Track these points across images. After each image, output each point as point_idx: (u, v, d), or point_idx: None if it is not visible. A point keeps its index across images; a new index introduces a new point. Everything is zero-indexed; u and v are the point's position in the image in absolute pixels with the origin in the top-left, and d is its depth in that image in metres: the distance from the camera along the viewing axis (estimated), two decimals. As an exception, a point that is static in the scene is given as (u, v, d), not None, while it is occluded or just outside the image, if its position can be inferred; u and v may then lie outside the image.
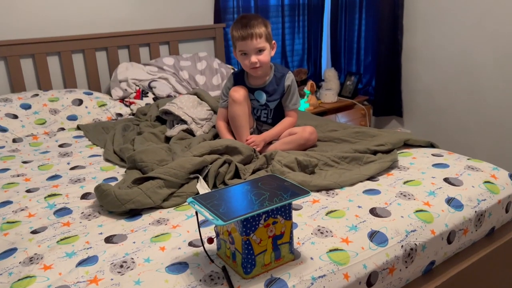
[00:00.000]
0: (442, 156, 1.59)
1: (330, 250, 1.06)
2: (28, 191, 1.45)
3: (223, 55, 3.05)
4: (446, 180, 1.40)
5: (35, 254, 1.08)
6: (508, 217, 1.45)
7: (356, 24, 3.39)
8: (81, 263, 1.03)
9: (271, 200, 0.97)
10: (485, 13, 2.57)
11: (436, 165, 1.51)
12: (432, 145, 1.72)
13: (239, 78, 1.86)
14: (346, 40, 3.51)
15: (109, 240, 1.13)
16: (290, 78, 1.82)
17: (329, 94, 3.28)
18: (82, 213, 1.29)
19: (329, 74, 3.39)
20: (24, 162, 1.72)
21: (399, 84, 3.19)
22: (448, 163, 1.52)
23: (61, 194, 1.42)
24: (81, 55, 2.57)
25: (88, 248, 1.09)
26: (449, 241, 1.24)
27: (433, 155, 1.61)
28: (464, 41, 2.72)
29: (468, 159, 1.56)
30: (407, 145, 1.73)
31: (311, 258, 1.03)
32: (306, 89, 3.18)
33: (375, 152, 1.62)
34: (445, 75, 2.89)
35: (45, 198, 1.39)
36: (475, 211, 1.30)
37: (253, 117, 1.87)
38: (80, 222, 1.24)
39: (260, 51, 1.71)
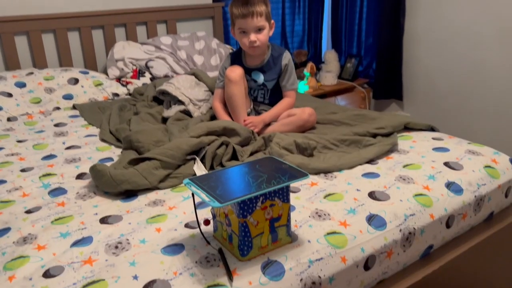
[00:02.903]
0: (443, 140, 1.58)
1: (328, 233, 1.04)
2: (22, 170, 1.43)
3: (222, 35, 3.00)
4: (446, 164, 1.38)
5: (29, 234, 1.06)
6: (508, 202, 1.44)
7: (358, 5, 3.33)
8: (75, 244, 1.02)
9: (268, 182, 0.95)
10: (490, -5, 2.52)
11: (436, 149, 1.49)
12: (432, 129, 1.70)
13: (236, 58, 1.83)
14: (347, 21, 3.45)
15: (104, 220, 1.12)
16: (287, 58, 1.79)
17: (329, 77, 3.24)
18: (77, 193, 1.27)
19: (329, 56, 3.34)
20: (19, 141, 1.69)
21: (400, 66, 3.15)
22: (449, 147, 1.50)
23: (56, 174, 1.40)
24: (77, 33, 2.52)
25: (83, 229, 1.08)
26: (448, 226, 1.23)
27: (433, 138, 1.59)
28: (467, 23, 2.67)
29: (469, 143, 1.54)
30: (407, 128, 1.70)
31: (309, 241, 1.01)
32: (306, 71, 3.14)
33: (374, 135, 1.60)
34: (446, 57, 2.85)
35: (39, 177, 1.37)
36: (475, 196, 1.29)
37: (250, 97, 1.84)
38: (75, 202, 1.22)
39: (259, 29, 1.68)
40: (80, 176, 1.39)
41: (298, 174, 0.98)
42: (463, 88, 2.79)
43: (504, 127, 2.62)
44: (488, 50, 2.61)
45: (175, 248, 0.99)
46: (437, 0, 2.82)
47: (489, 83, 2.64)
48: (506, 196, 1.42)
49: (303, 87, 3.07)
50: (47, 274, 0.91)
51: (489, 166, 1.39)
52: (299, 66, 3.30)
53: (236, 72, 1.72)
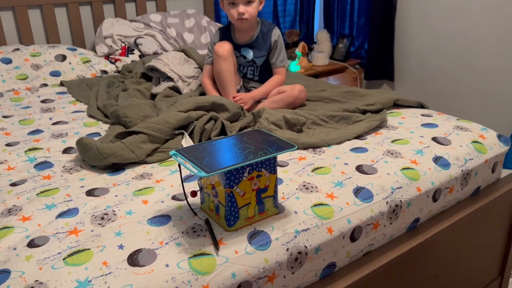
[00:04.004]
0: (432, 116, 1.58)
1: (315, 205, 1.05)
2: (8, 144, 1.42)
3: (212, 13, 2.95)
4: (434, 139, 1.38)
5: (14, 205, 1.05)
6: (494, 177, 1.46)
7: (351, -16, 3.29)
8: (61, 215, 1.01)
9: (256, 153, 0.94)
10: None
11: (425, 125, 1.49)
12: (421, 106, 1.70)
13: (225, 33, 1.80)
14: (339, 1, 3.41)
15: (90, 193, 1.11)
16: (276, 34, 1.77)
17: (321, 57, 3.22)
18: (64, 166, 1.26)
19: (321, 36, 3.32)
20: (4, 117, 1.67)
21: (392, 47, 3.14)
22: (437, 123, 1.50)
23: (42, 148, 1.38)
24: (64, 9, 2.47)
25: (68, 201, 1.07)
26: (435, 199, 1.24)
27: (422, 115, 1.59)
28: (458, 4, 2.65)
29: (458, 119, 1.54)
30: (397, 105, 1.70)
31: (295, 212, 1.02)
32: (298, 51, 3.11)
33: (364, 112, 1.60)
34: (437, 37, 2.84)
35: (25, 152, 1.36)
36: (462, 170, 1.30)
37: (239, 74, 1.82)
38: (61, 176, 1.21)
39: (248, 2, 1.65)
40: (66, 151, 1.37)
41: (285, 145, 0.98)
42: (454, 68, 2.79)
43: (494, 106, 2.63)
44: (479, 30, 2.60)
45: (161, 219, 0.99)
46: (430, -21, 2.79)
47: (479, 62, 2.64)
48: (493, 171, 1.43)
49: (294, 67, 3.05)
50: (31, 244, 0.91)
51: (476, 142, 1.39)
52: (291, 46, 3.28)
53: (224, 47, 1.70)
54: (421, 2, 2.88)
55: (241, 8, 1.64)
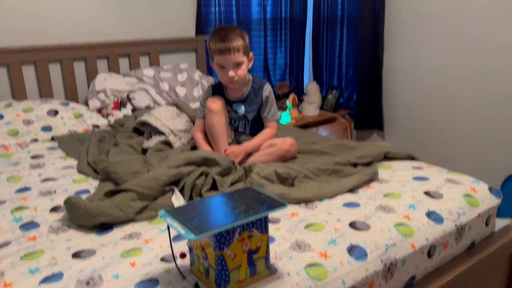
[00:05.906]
0: (422, 169, 1.58)
1: (308, 265, 1.02)
2: (-7, 204, 1.38)
3: (205, 67, 3.02)
4: (426, 193, 1.38)
5: (-4, 270, 1.01)
6: (488, 231, 1.44)
7: (338, 38, 3.41)
8: (44, 281, 0.97)
9: (246, 212, 0.93)
10: (465, 29, 2.61)
11: (416, 178, 1.49)
12: (412, 158, 1.71)
13: (217, 90, 1.83)
14: (327, 54, 3.52)
15: (76, 255, 1.07)
16: (268, 89, 1.80)
17: (311, 108, 3.27)
18: (50, 227, 1.23)
19: (311, 88, 3.39)
20: (-8, 174, 1.65)
21: (380, 98, 3.21)
22: (428, 176, 1.50)
23: (29, 207, 1.35)
24: (59, 65, 2.51)
25: (53, 264, 1.03)
26: (430, 255, 1.22)
27: (413, 168, 1.60)
28: (443, 56, 2.75)
29: (448, 171, 1.55)
30: (387, 157, 1.71)
31: (288, 274, 0.99)
32: (288, 102, 3.17)
33: (355, 165, 1.61)
34: (424, 89, 2.92)
35: (11, 211, 1.33)
36: (455, 225, 1.28)
37: (230, 127, 1.84)
38: (47, 237, 1.17)
39: (238, 65, 1.69)
40: (54, 209, 1.34)
41: (276, 203, 0.97)
42: (440, 119, 2.85)
43: (481, 156, 2.66)
44: (461, 83, 2.68)
45: (149, 283, 0.95)
46: (413, 35, 2.91)
47: (465, 114, 2.70)
48: (487, 224, 1.41)
49: (285, 117, 3.09)
50: (11, 314, 0.87)
51: (468, 195, 1.39)
52: (282, 97, 3.34)
53: (216, 102, 1.72)
54: (406, 57, 2.98)
55: (231, 72, 1.68)
